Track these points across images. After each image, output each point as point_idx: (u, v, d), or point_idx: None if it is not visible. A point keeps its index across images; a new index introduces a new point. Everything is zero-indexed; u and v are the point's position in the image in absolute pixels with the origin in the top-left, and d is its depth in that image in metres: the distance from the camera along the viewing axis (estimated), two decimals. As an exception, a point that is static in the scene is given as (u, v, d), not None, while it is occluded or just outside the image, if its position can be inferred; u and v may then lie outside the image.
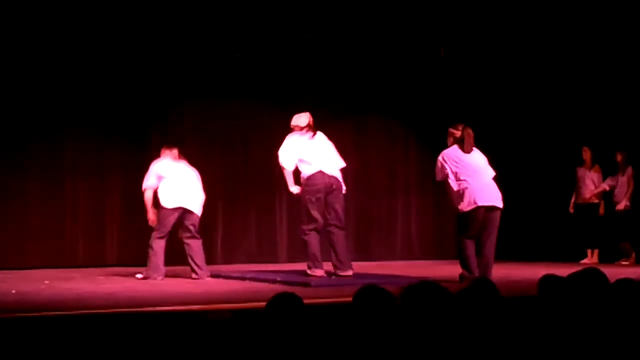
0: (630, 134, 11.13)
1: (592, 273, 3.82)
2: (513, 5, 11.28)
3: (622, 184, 11.03)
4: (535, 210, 11.95)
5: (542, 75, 12.09)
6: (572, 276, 3.81)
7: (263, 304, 3.51)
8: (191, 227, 8.71)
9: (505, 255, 9.83)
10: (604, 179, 11.20)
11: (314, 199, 8.13)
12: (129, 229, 10.65)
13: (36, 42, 10.17)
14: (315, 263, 8.13)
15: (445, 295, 3.10)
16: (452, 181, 8.01)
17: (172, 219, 8.61)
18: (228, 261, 11.05)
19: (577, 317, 3.53)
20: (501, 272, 8.45)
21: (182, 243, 8.74)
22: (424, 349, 2.57)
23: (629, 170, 11.00)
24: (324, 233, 8.22)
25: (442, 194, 8.95)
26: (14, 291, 7.23)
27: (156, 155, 10.89)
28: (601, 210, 11.20)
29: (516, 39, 11.80)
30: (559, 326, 3.42)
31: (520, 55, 12.03)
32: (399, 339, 2.70)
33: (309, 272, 8.15)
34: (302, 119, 8.48)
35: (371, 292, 3.20)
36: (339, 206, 8.24)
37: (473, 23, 11.57)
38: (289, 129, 11.60)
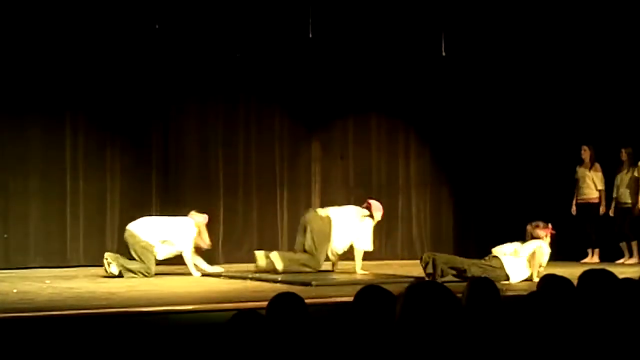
0: (632, 132, 11.08)
1: (601, 273, 3.82)
2: (513, 3, 11.27)
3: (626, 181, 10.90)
4: (536, 209, 11.92)
5: (542, 73, 12.07)
6: (583, 275, 3.81)
7: (264, 303, 3.51)
8: None
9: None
10: (605, 178, 11.11)
11: None
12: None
13: (37, 42, 10.14)
14: None
15: (446, 295, 3.09)
16: None
17: None
18: (229, 261, 11.05)
19: (578, 316, 3.53)
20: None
21: None
22: (425, 349, 2.57)
23: (634, 169, 10.87)
24: None
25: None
26: (15, 290, 7.23)
27: (157, 154, 10.97)
28: (602, 210, 11.13)
29: (516, 37, 11.78)
30: (558, 325, 3.41)
31: (520, 54, 12.01)
32: (400, 339, 2.70)
33: None
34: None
35: (372, 292, 3.20)
36: None
37: (473, 22, 11.56)
38: (290, 126, 11.72)
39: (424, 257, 8.14)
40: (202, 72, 11.10)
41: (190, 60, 10.99)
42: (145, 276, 8.64)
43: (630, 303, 3.58)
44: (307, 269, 8.79)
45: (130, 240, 8.84)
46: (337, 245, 8.99)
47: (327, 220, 8.98)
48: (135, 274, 8.63)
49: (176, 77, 10.96)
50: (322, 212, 9.17)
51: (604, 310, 3.55)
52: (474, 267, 7.95)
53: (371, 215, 9.14)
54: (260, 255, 8.95)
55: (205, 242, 9.21)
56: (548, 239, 8.51)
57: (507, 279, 8.07)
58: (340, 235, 8.96)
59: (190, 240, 9.03)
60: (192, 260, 9.05)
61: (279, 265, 8.70)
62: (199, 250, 9.22)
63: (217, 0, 10.74)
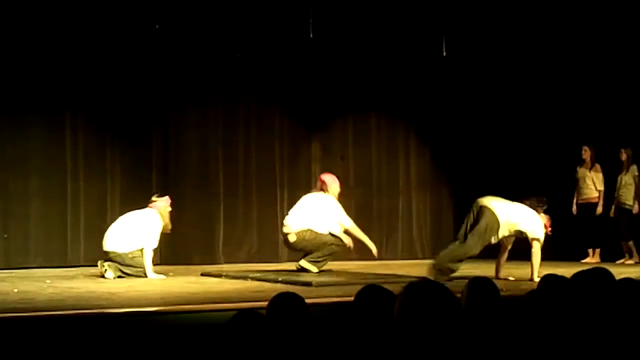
0: (632, 132, 11.07)
1: (599, 272, 3.81)
2: (513, 4, 11.28)
3: (627, 182, 10.88)
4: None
5: (542, 74, 12.06)
6: (577, 275, 3.81)
7: (265, 303, 3.51)
8: None
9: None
10: (605, 178, 11.10)
11: None
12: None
13: (37, 41, 10.14)
14: None
15: (445, 295, 3.10)
16: None
17: None
18: (229, 260, 11.06)
19: (578, 316, 3.53)
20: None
21: None
22: (423, 349, 2.57)
23: (634, 168, 10.87)
24: None
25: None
26: (16, 290, 7.23)
27: (157, 154, 10.97)
28: (599, 210, 11.10)
29: (517, 38, 11.78)
30: (558, 325, 3.41)
31: (521, 54, 12.01)
32: (398, 339, 2.70)
33: None
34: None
35: (372, 291, 3.20)
36: None
37: (474, 22, 11.56)
38: (290, 126, 11.72)
39: (427, 270, 7.99)
40: (202, 72, 11.11)
41: (190, 61, 11.00)
42: (146, 277, 8.64)
43: (629, 303, 3.59)
44: (337, 249, 8.83)
45: (118, 260, 8.75)
46: (329, 229, 8.86)
47: (302, 232, 8.80)
48: (137, 277, 8.62)
49: (176, 77, 10.96)
50: (292, 233, 8.83)
51: (602, 309, 3.55)
52: (475, 249, 7.96)
53: (327, 191, 8.89)
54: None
55: (168, 228, 9.00)
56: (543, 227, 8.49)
57: (499, 223, 8.09)
58: (320, 222, 8.82)
59: (156, 237, 8.85)
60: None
61: (314, 269, 8.67)
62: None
63: (217, 0, 10.75)
